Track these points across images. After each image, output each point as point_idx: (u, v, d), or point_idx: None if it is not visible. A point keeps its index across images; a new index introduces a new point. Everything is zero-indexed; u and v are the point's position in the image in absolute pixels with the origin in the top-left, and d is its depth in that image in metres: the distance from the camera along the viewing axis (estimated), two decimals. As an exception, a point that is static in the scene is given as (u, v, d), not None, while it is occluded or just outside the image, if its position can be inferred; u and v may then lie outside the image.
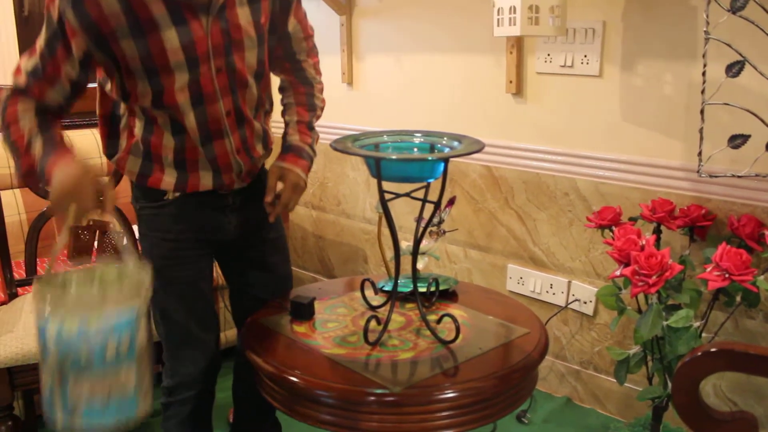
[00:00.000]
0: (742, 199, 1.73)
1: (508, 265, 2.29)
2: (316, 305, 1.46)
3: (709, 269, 1.52)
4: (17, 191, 2.33)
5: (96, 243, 2.23)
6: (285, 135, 1.54)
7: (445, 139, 1.29)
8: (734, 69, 1.54)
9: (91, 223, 1.23)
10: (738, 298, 1.61)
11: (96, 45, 1.24)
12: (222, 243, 1.53)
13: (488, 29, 1.94)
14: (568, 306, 2.15)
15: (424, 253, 1.56)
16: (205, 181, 1.41)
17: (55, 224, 1.15)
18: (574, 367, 2.20)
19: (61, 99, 1.30)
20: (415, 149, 1.31)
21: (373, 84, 2.59)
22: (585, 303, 2.11)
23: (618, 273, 1.58)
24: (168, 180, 1.39)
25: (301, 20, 1.48)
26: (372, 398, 1.13)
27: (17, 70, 1.29)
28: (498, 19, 1.79)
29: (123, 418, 1.09)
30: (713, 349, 0.91)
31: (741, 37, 1.53)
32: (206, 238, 1.48)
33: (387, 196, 1.25)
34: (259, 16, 1.34)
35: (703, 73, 1.55)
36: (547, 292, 2.20)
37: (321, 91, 1.59)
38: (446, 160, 1.22)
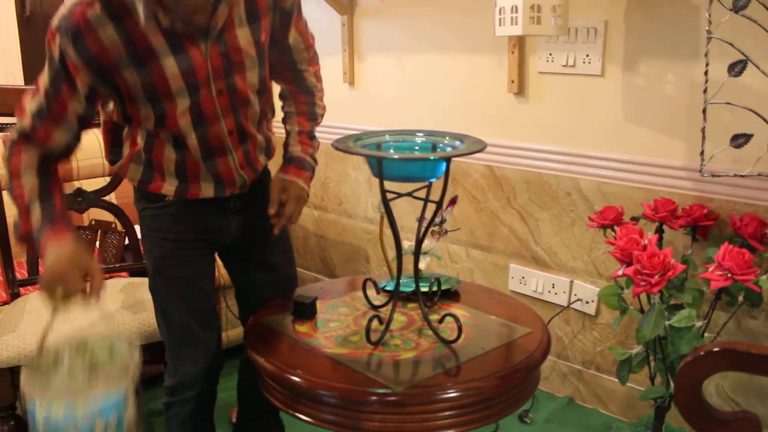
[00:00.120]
0: (745, 198, 1.73)
1: (510, 264, 2.29)
2: (318, 305, 1.46)
3: (711, 269, 1.52)
4: (19, 191, 2.33)
5: (98, 243, 2.24)
6: (286, 145, 1.55)
7: (447, 138, 1.29)
8: (736, 68, 1.54)
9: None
10: (740, 298, 1.61)
11: (99, 78, 1.25)
12: (224, 243, 1.53)
13: (490, 29, 1.94)
14: (570, 306, 2.15)
15: (426, 253, 1.56)
16: (206, 191, 1.42)
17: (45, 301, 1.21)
18: (576, 367, 2.19)
19: (68, 137, 1.29)
20: (417, 149, 1.31)
21: (375, 84, 2.59)
22: (587, 303, 2.11)
23: (620, 273, 1.58)
24: (168, 188, 1.41)
25: (301, 31, 1.46)
26: (374, 398, 1.13)
27: (21, 111, 1.28)
28: (500, 19, 1.79)
29: None
30: (716, 349, 0.91)
31: (743, 36, 1.52)
32: (207, 239, 1.48)
33: (389, 195, 1.25)
34: (259, 35, 1.33)
35: (706, 73, 1.54)
36: (549, 291, 2.19)
37: (321, 98, 1.59)
38: (448, 160, 1.22)
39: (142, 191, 1.45)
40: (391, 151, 1.30)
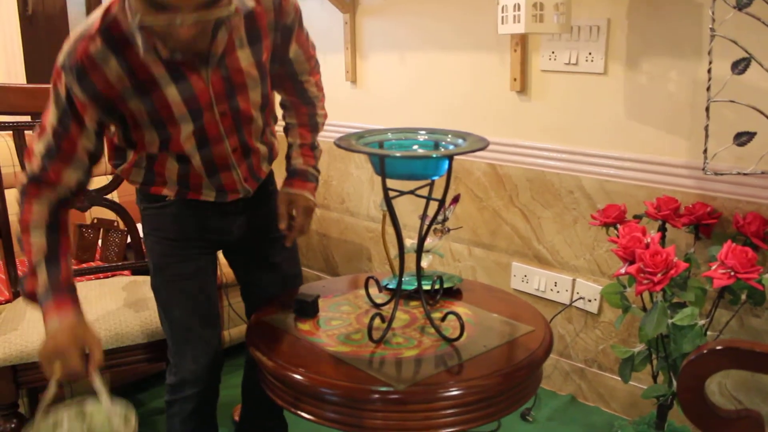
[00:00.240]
0: (748, 196, 1.73)
1: (512, 263, 2.29)
2: (321, 303, 1.46)
3: (714, 267, 1.52)
4: (22, 189, 2.34)
5: (100, 241, 2.24)
6: (288, 157, 1.56)
7: (450, 136, 1.28)
8: (740, 66, 1.53)
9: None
10: (743, 296, 1.60)
11: (106, 112, 1.25)
12: (226, 243, 1.54)
13: (492, 27, 1.94)
14: (573, 304, 2.15)
15: (428, 251, 1.56)
16: (208, 197, 1.43)
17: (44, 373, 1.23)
18: (579, 365, 2.19)
19: (78, 176, 1.29)
20: (419, 147, 1.31)
21: (377, 82, 2.59)
22: (589, 301, 2.11)
23: (623, 271, 1.57)
24: (169, 192, 1.42)
25: (302, 44, 1.44)
26: (376, 396, 1.13)
27: (29, 154, 1.27)
28: (502, 17, 1.79)
29: None
30: (718, 347, 0.90)
31: (747, 34, 1.52)
32: (208, 238, 1.49)
33: (391, 193, 1.25)
34: (260, 55, 1.32)
35: (709, 71, 1.54)
36: (551, 290, 2.19)
37: (322, 106, 1.60)
38: (450, 158, 1.22)
39: (143, 192, 1.46)
40: (394, 149, 1.29)
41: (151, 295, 1.52)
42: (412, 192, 1.30)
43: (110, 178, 1.88)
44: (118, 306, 1.72)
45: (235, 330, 2.42)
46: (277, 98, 1.54)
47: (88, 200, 1.88)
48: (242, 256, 1.60)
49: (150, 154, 1.35)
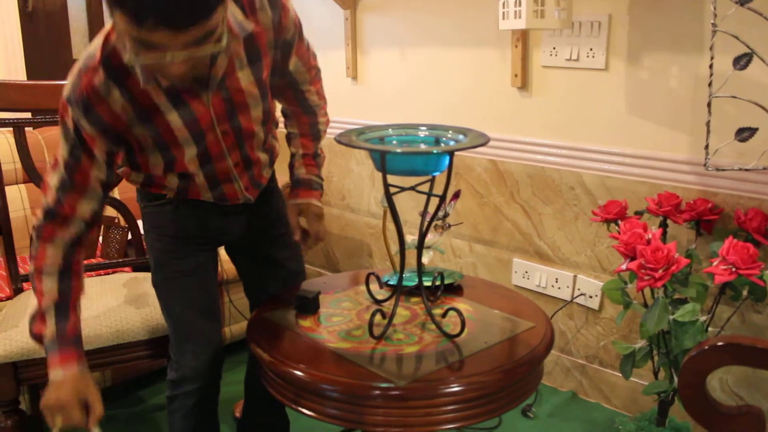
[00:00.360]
0: (749, 192, 1.72)
1: (513, 259, 2.29)
2: (321, 299, 1.45)
3: (715, 263, 1.51)
4: (22, 186, 2.34)
5: (101, 238, 2.24)
6: (291, 167, 1.57)
7: (450, 132, 1.28)
8: (742, 61, 1.53)
9: None
10: (744, 293, 1.60)
11: (115, 142, 1.26)
12: (226, 241, 1.54)
13: (493, 22, 1.93)
14: (574, 300, 2.15)
15: (429, 247, 1.55)
16: (208, 199, 1.44)
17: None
18: (580, 362, 2.19)
19: (93, 206, 1.30)
20: (420, 143, 1.31)
21: (378, 78, 2.58)
22: (590, 297, 2.10)
23: (624, 267, 1.57)
24: (169, 194, 1.43)
25: (302, 55, 1.42)
26: (377, 392, 1.13)
27: (45, 187, 1.29)
28: (503, 12, 1.78)
29: None
30: (720, 343, 0.90)
31: (748, 29, 1.51)
32: (208, 236, 1.50)
33: (392, 189, 1.25)
34: (260, 73, 1.31)
35: (710, 66, 1.54)
36: (552, 286, 2.19)
37: (324, 113, 1.59)
38: (451, 154, 1.21)
39: (143, 191, 1.47)
40: (394, 144, 1.29)
41: (152, 291, 1.52)
42: (412, 188, 1.30)
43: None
44: (119, 303, 1.72)
45: (236, 326, 2.43)
46: (278, 105, 1.54)
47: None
48: (244, 254, 1.61)
49: (154, 174, 1.37)
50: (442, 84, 2.36)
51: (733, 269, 1.48)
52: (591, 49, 1.95)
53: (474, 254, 2.40)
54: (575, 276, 2.13)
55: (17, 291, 1.83)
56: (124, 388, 2.25)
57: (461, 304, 1.45)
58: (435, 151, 1.22)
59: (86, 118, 1.20)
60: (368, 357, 1.22)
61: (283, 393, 1.26)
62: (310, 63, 1.47)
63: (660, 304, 1.55)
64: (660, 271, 1.48)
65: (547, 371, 2.27)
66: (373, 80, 2.60)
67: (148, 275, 1.56)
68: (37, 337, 1.32)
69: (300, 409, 1.22)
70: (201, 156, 1.32)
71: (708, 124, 1.58)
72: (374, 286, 1.51)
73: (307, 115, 1.56)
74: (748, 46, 1.51)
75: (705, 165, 1.61)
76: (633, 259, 1.55)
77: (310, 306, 1.42)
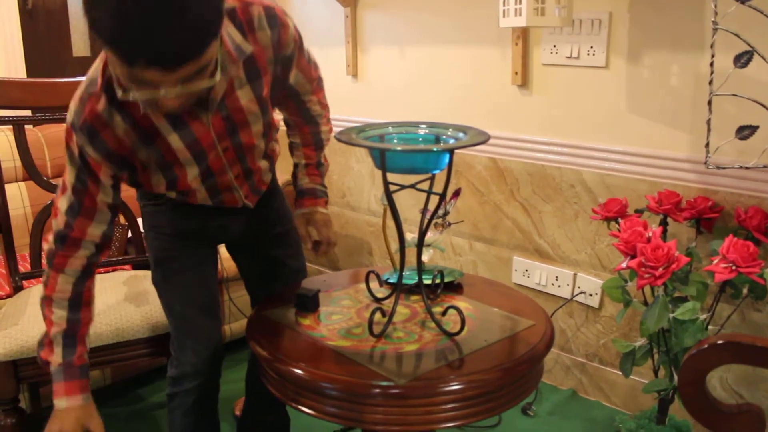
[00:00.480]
0: (750, 190, 1.72)
1: (513, 257, 2.28)
2: (321, 297, 1.45)
3: (715, 261, 1.51)
4: (22, 184, 2.34)
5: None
6: (295, 178, 1.59)
7: (450, 130, 1.28)
8: (742, 59, 1.53)
9: None
10: (745, 291, 1.60)
11: (119, 166, 1.26)
12: (227, 239, 1.54)
13: (494, 20, 1.93)
14: (574, 298, 2.15)
15: (429, 245, 1.55)
16: (207, 203, 1.44)
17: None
18: (580, 360, 2.19)
19: (102, 228, 1.30)
20: (420, 140, 1.30)
21: (378, 76, 2.58)
22: (591, 295, 2.10)
23: (624, 265, 1.57)
24: (169, 195, 1.42)
25: (303, 68, 1.40)
26: (377, 390, 1.13)
27: (55, 211, 1.29)
28: (504, 10, 1.78)
29: None
30: (720, 342, 0.90)
31: (749, 27, 1.51)
32: (207, 235, 1.50)
33: (392, 187, 1.25)
34: (260, 90, 1.29)
35: (711, 64, 1.53)
36: (552, 284, 2.19)
37: (327, 121, 1.59)
38: (451, 152, 1.21)
39: (143, 191, 1.47)
40: (394, 142, 1.29)
41: (152, 289, 1.52)
42: (412, 186, 1.30)
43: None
44: (119, 300, 1.72)
45: (235, 324, 2.43)
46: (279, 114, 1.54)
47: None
48: (245, 252, 1.61)
49: (156, 192, 1.37)
50: (442, 82, 2.35)
51: (734, 267, 1.48)
52: (591, 47, 1.94)
53: (474, 252, 2.40)
54: (575, 274, 2.13)
55: (17, 289, 1.82)
56: (124, 386, 2.26)
57: (461, 303, 1.45)
58: (435, 149, 1.22)
59: (91, 145, 1.20)
60: (368, 355, 1.22)
61: (282, 391, 1.26)
62: (311, 74, 1.45)
63: (660, 303, 1.55)
64: (660, 269, 1.48)
65: (547, 369, 2.27)
66: (373, 78, 2.60)
67: (148, 273, 1.56)
68: (44, 363, 1.33)
69: (300, 407, 1.22)
70: (203, 173, 1.32)
71: (708, 122, 1.57)
72: (374, 284, 1.50)
73: (308, 125, 1.56)
74: (748, 44, 1.51)
75: (705, 163, 1.61)
76: (633, 257, 1.55)
77: (309, 304, 1.42)
